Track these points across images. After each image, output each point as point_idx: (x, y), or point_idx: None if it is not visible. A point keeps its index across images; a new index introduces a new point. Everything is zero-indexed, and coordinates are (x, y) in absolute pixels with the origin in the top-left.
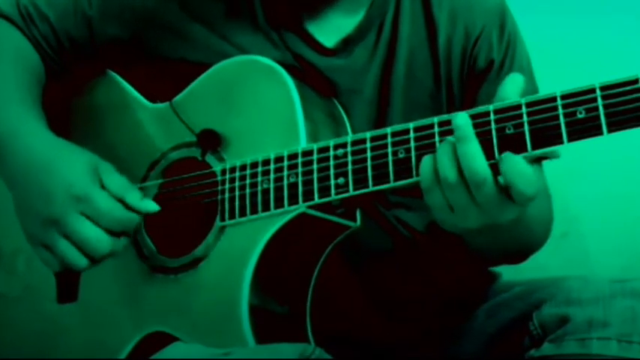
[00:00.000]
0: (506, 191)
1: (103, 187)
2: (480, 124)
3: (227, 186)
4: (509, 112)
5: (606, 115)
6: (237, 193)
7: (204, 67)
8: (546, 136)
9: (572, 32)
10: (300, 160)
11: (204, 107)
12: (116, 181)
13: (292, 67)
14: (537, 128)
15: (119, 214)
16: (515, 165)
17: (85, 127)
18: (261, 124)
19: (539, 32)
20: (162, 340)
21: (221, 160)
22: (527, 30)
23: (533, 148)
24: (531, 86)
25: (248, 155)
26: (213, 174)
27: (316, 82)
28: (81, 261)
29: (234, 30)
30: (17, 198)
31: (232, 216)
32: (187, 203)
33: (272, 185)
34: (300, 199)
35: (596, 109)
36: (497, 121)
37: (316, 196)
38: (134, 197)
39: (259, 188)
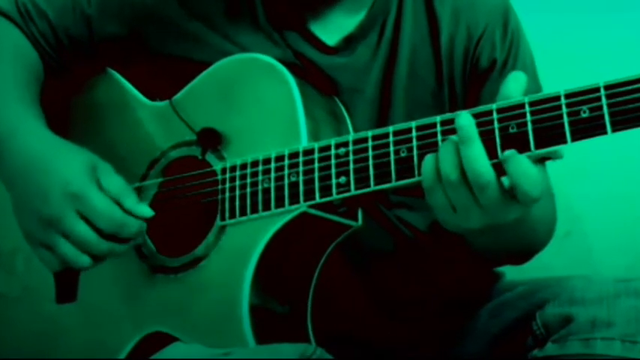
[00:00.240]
0: (510, 192)
1: (100, 187)
2: (483, 123)
3: (227, 185)
4: (512, 111)
5: (610, 115)
6: (237, 192)
7: (204, 65)
8: (550, 135)
9: (575, 31)
10: (301, 159)
11: (205, 105)
12: (114, 182)
13: (293, 65)
14: (541, 127)
15: (115, 215)
16: (521, 165)
17: (84, 126)
18: (261, 122)
19: (542, 31)
20: (162, 340)
21: (221, 158)
22: (530, 28)
23: (537, 147)
24: (535, 85)
25: (249, 154)
26: (214, 173)
27: (317, 80)
28: (81, 260)
29: (234, 28)
30: (15, 197)
31: (233, 215)
32: (187, 202)
33: (273, 184)
34: (301, 198)
35: (600, 108)
36: (500, 120)
37: (317, 195)
38: (131, 201)
39: (260, 187)
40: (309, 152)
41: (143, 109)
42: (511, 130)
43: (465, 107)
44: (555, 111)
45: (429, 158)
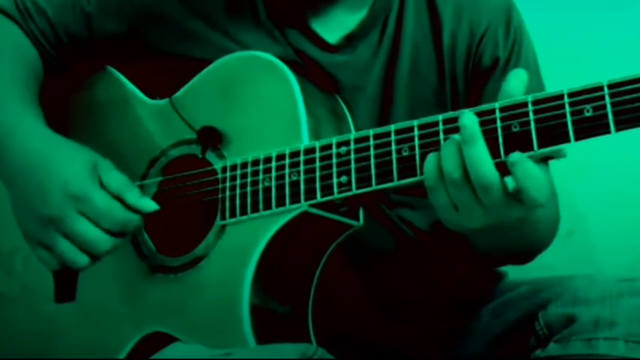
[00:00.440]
0: (514, 194)
1: (102, 185)
2: (486, 122)
3: (228, 184)
4: (515, 110)
5: (614, 114)
6: (238, 191)
7: (204, 63)
8: (553, 134)
9: (579, 29)
10: (302, 157)
11: (205, 104)
12: (115, 178)
13: (294, 63)
14: (544, 126)
15: (118, 214)
16: (529, 170)
17: (83, 124)
18: (262, 120)
19: (545, 29)
20: (162, 340)
21: (222, 157)
22: (533, 27)
23: (540, 146)
24: (538, 84)
25: (249, 152)
26: (214, 172)
27: (318, 78)
28: (81, 259)
29: (234, 25)
30: (15, 196)
31: (233, 214)
32: (187, 201)
33: (273, 183)
34: (302, 197)
35: (604, 107)
36: (503, 119)
37: (318, 194)
38: (133, 196)
39: (260, 186)
40: (310, 151)
41: (143, 108)
42: (514, 129)
43: (467, 105)
44: (558, 110)
45: (431, 157)
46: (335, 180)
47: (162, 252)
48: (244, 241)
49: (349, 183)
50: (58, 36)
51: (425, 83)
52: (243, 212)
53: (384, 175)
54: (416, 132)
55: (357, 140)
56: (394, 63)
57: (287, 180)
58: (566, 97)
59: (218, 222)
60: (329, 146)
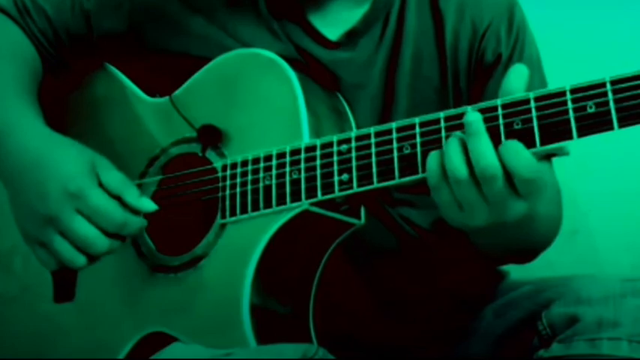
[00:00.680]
0: (512, 184)
1: (100, 184)
2: (488, 119)
3: (228, 182)
4: (517, 107)
5: (617, 110)
6: (238, 189)
7: (204, 60)
8: (555, 131)
9: (582, 26)
10: (302, 155)
11: (205, 102)
12: (114, 178)
13: (295, 61)
14: (546, 123)
15: (116, 214)
16: (513, 148)
17: (83, 122)
18: (262, 118)
19: (548, 25)
20: (161, 340)
21: (222, 156)
22: (535, 23)
23: (542, 143)
24: (540, 80)
25: (249, 151)
26: (214, 170)
27: (319, 75)
28: (78, 259)
29: (235, 21)
30: (13, 195)
31: (233, 213)
32: (187, 200)
33: (274, 182)
34: (303, 195)
35: (607, 103)
36: (505, 116)
37: (319, 192)
38: (132, 195)
39: (261, 185)
40: (311, 149)
41: (142, 106)
42: (516, 127)
43: (469, 102)
44: (561, 106)
45: (433, 155)
46: (336, 178)
47: (162, 251)
48: (245, 240)
49: (350, 181)
50: (57, 34)
51: (427, 80)
52: (244, 211)
53: (386, 173)
54: (417, 129)
55: (358, 138)
56: (396, 60)
57: (288, 178)
58: (568, 94)
59: (218, 221)
60: (330, 144)
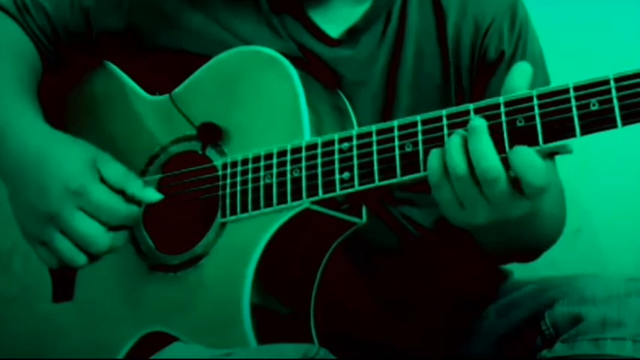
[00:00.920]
0: (517, 185)
1: (102, 179)
2: (490, 117)
3: (228, 181)
4: (520, 105)
5: (620, 108)
6: (238, 188)
7: (204, 58)
8: (558, 129)
9: (585, 23)
10: (303, 154)
11: (205, 99)
12: (115, 170)
13: (296, 58)
14: (549, 121)
15: (119, 208)
16: (525, 156)
17: (82, 120)
18: (263, 116)
19: (551, 22)
20: (161, 340)
21: (222, 154)
22: (538, 20)
23: (545, 141)
24: (544, 78)
25: (250, 149)
26: (214, 168)
27: (320, 73)
28: (79, 258)
29: (235, 18)
30: (13, 193)
31: (233, 212)
32: (187, 199)
33: (275, 180)
34: (304, 194)
35: (610, 100)
36: (507, 114)
37: (320, 191)
38: (136, 186)
39: (261, 183)
40: (312, 147)
41: (142, 104)
42: (519, 124)
43: (471, 100)
44: (564, 104)
45: (434, 153)
46: (337, 176)
47: (162, 250)
48: (245, 239)
49: (352, 179)
50: (56, 32)
51: (428, 77)
52: (244, 209)
53: (387, 171)
54: (419, 127)
55: (360, 136)
56: (397, 57)
57: (288, 177)
58: (571, 91)
59: (218, 219)
60: (331, 142)
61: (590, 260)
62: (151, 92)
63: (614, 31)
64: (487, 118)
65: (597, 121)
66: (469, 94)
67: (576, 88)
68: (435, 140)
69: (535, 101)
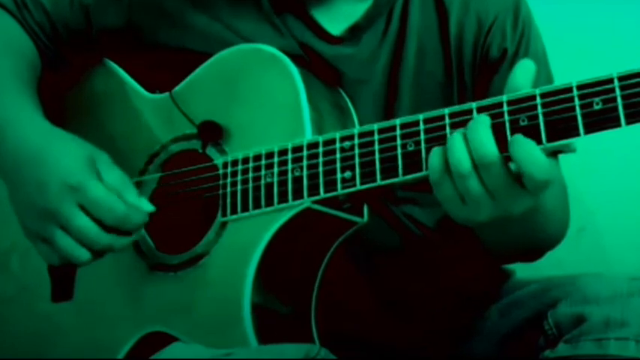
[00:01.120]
0: (518, 178)
1: (100, 180)
2: (493, 116)
3: (229, 180)
4: (523, 104)
5: (624, 107)
6: (239, 187)
7: (205, 56)
8: (562, 128)
9: (589, 21)
10: (305, 153)
11: (206, 98)
12: (114, 175)
13: (297, 56)
14: (552, 120)
15: (118, 206)
16: (525, 148)
17: (81, 118)
18: (264, 115)
19: (554, 20)
20: (161, 340)
21: (223, 152)
22: (541, 18)
23: (549, 140)
24: (547, 76)
25: (251, 148)
26: (215, 167)
27: (322, 71)
28: (81, 254)
29: (236, 16)
30: (12, 190)
31: (234, 211)
32: (187, 198)
33: (276, 179)
34: (305, 193)
35: (614, 99)
36: (510, 113)
37: (322, 190)
38: (131, 195)
39: (262, 182)
40: (313, 146)
41: (142, 102)
42: (522, 123)
43: (474, 98)
44: (567, 103)
45: (435, 151)
46: (339, 175)
47: (162, 250)
48: (246, 239)
49: (353, 178)
50: (55, 29)
51: (431, 75)
52: (245, 209)
53: (389, 170)
54: (421, 126)
55: (362, 135)
56: (399, 55)
57: (289, 176)
58: (575, 90)
59: (219, 219)
60: (332, 141)
61: (594, 259)
62: (151, 90)
63: (618, 30)
64: (490, 117)
65: (601, 121)
66: (471, 92)
67: (580, 87)
68: (438, 139)
69: (538, 100)
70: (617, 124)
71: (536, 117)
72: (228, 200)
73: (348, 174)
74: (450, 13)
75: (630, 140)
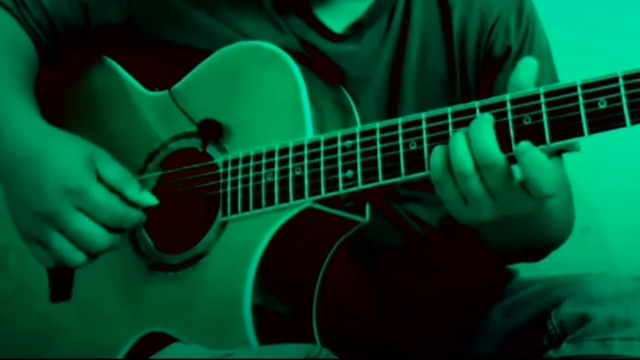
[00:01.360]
0: (522, 183)
1: (99, 178)
2: (497, 115)
3: (229, 179)
4: (527, 103)
5: (629, 106)
6: (239, 186)
7: (205, 53)
8: (566, 127)
9: (593, 19)
10: (306, 151)
11: (206, 96)
12: (114, 171)
13: (298, 54)
14: (557, 119)
15: (117, 209)
16: (536, 160)
17: (80, 116)
18: (265, 113)
19: (558, 18)
20: (161, 340)
21: (223, 151)
22: (545, 16)
23: (553, 140)
24: (551, 75)
25: (251, 146)
26: (215, 166)
27: (323, 69)
28: (77, 257)
29: (237, 14)
30: (8, 191)
31: (234, 210)
32: (187, 197)
33: (276, 178)
34: (306, 193)
35: (619, 99)
36: (514, 112)
37: (323, 189)
38: (133, 189)
39: (263, 181)
40: (314, 145)
41: (142, 99)
42: (525, 122)
43: (477, 97)
44: (572, 102)
45: (437, 150)
46: (340, 175)
47: (162, 249)
48: (246, 238)
49: (355, 178)
50: (54, 26)
51: (433, 73)
52: (245, 208)
53: (391, 169)
54: (424, 125)
55: (363, 134)
56: (402, 52)
57: (290, 175)
58: (579, 89)
59: (219, 218)
60: (334, 140)
61: (598, 259)
62: (150, 88)
63: (623, 28)
64: (493, 116)
65: (605, 120)
66: (475, 89)
67: (584, 86)
68: (440, 139)
69: (542, 99)
70: (622, 124)
71: (540, 116)
72: (229, 199)
73: (349, 173)
74: (453, 10)
75: (634, 139)
